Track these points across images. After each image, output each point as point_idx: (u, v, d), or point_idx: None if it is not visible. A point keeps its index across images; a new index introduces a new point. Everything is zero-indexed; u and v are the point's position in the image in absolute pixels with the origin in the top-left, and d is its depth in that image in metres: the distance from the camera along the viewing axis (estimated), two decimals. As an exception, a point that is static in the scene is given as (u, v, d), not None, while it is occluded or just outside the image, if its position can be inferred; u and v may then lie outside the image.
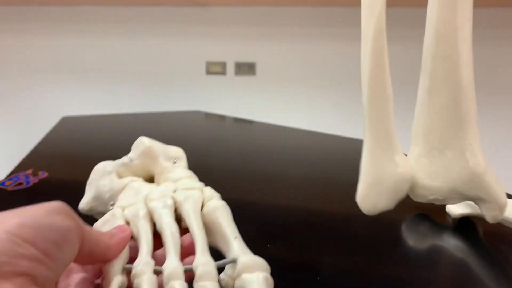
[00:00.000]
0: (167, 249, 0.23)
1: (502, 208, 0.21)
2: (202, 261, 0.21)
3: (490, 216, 0.22)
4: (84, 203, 0.31)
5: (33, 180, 0.54)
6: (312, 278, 0.32)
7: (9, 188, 0.50)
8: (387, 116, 0.20)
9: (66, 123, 1.03)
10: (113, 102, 1.92)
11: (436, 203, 0.21)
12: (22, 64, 1.97)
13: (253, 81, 1.88)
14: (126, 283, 0.22)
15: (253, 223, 0.42)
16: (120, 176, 0.30)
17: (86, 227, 0.20)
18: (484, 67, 1.62)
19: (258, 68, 1.87)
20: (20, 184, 0.52)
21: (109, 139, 0.87)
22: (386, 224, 0.44)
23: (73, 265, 0.23)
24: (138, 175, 0.30)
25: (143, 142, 0.30)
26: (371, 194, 0.21)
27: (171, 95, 1.90)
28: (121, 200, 0.27)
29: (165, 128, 1.03)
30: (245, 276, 0.20)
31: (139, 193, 0.27)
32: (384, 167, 0.20)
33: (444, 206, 0.44)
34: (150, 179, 0.31)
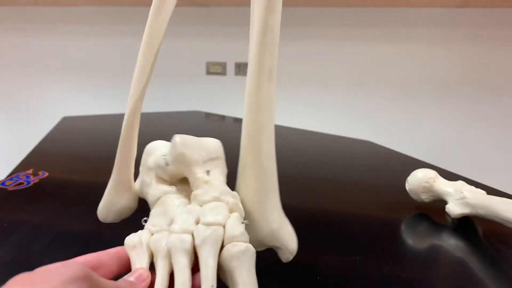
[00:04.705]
0: None
1: (292, 252, 0.28)
2: None
3: (283, 258, 0.29)
4: (137, 184, 0.33)
5: (33, 180, 0.54)
6: (312, 278, 0.32)
7: (10, 188, 0.50)
8: (128, 165, 0.30)
9: (66, 123, 1.03)
10: (113, 102, 1.92)
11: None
12: (22, 64, 1.97)
13: (253, 81, 1.88)
14: None
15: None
16: (158, 179, 0.30)
17: (105, 284, 0.20)
18: (484, 67, 1.62)
19: (258, 68, 1.87)
20: (20, 184, 0.52)
21: (109, 139, 0.87)
22: (386, 224, 0.44)
23: None
24: (174, 178, 0.30)
25: (175, 147, 0.28)
26: (104, 210, 0.32)
27: (171, 95, 1.90)
28: (152, 218, 0.28)
29: (165, 128, 1.03)
30: None
31: (167, 215, 0.27)
32: (116, 196, 0.31)
33: (444, 206, 0.44)
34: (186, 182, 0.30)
